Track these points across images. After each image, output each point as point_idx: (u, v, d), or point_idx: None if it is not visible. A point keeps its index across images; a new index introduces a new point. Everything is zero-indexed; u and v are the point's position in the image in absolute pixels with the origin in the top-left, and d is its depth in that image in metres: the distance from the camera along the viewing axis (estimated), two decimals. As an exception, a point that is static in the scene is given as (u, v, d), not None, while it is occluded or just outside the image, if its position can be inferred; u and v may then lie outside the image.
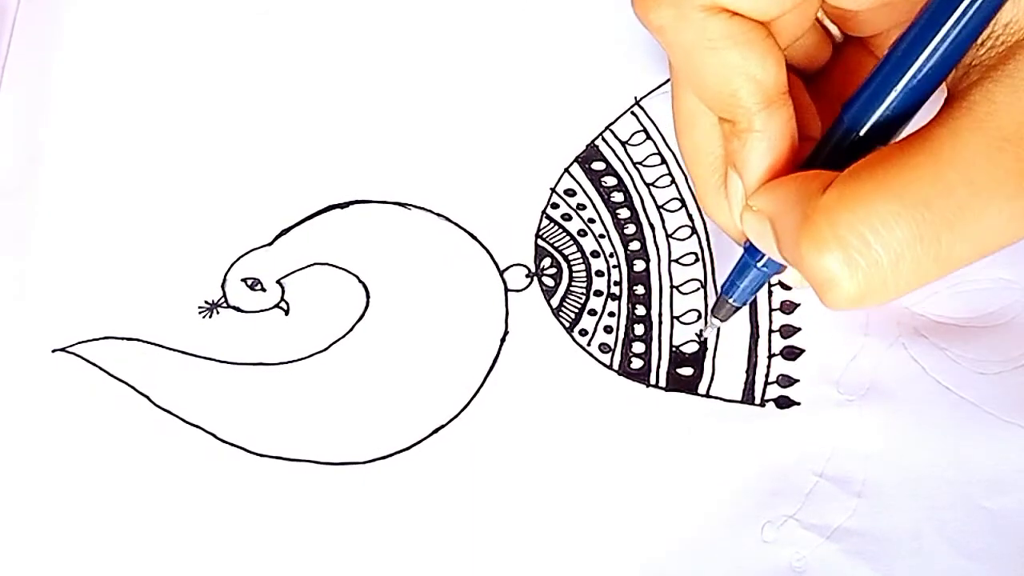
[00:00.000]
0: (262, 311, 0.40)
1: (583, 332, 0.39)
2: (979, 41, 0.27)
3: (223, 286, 0.40)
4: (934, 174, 0.25)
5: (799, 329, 0.39)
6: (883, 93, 0.28)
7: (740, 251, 0.35)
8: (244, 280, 0.40)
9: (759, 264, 0.33)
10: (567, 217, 0.41)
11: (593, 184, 0.41)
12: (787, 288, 0.39)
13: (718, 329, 0.38)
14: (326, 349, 0.39)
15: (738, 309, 0.36)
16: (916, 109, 0.28)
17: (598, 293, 0.40)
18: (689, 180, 0.41)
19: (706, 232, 0.40)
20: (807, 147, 0.32)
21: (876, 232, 0.26)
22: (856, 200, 0.26)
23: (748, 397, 0.38)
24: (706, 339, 0.39)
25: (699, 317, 0.39)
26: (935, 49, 0.27)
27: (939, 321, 0.38)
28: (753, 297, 0.36)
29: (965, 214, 0.25)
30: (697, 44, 0.30)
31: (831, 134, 0.30)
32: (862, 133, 0.29)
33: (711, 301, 0.39)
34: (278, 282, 0.40)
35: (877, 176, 0.26)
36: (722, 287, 0.36)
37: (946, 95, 0.28)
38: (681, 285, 0.40)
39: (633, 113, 0.42)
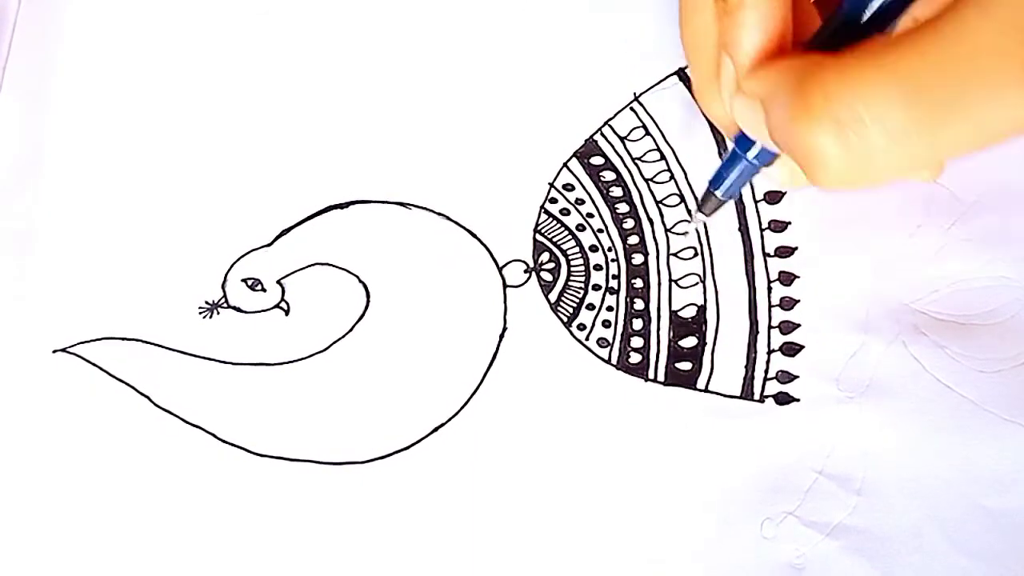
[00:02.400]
0: (262, 311, 0.40)
1: (581, 327, 0.39)
2: None
3: (223, 286, 0.40)
4: (936, 57, 0.25)
5: (799, 325, 0.39)
6: None
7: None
8: (244, 280, 0.40)
9: (749, 156, 0.33)
10: (565, 212, 0.41)
11: (592, 179, 0.41)
12: (787, 284, 0.39)
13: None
14: (326, 349, 0.39)
15: (723, 204, 0.35)
16: None
17: (596, 287, 0.40)
18: (689, 177, 0.41)
19: (705, 227, 0.40)
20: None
21: (871, 110, 0.25)
22: (855, 77, 0.25)
23: (747, 392, 0.38)
24: (706, 330, 0.38)
25: (698, 311, 0.39)
26: None
27: (939, 319, 0.38)
28: (740, 191, 0.35)
29: (966, 98, 0.25)
30: None
31: (830, 22, 0.29)
32: (864, 18, 0.28)
33: (710, 297, 0.39)
34: (278, 282, 0.40)
35: (877, 56, 0.26)
36: (710, 180, 0.35)
37: None
38: (680, 279, 0.40)
39: (632, 109, 0.42)
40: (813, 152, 0.26)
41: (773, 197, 0.40)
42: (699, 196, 0.37)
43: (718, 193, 0.35)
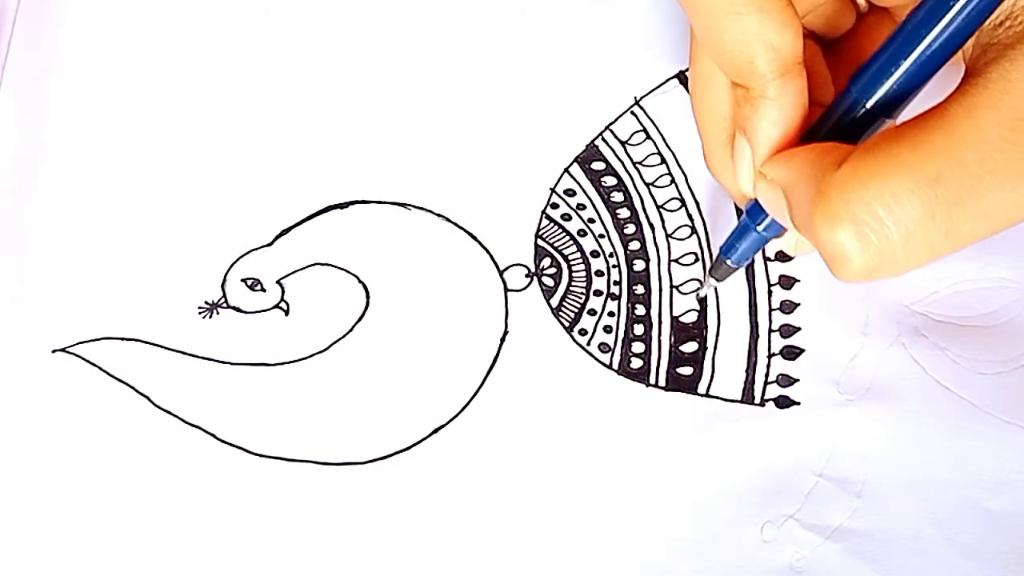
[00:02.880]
0: (262, 311, 0.40)
1: (583, 332, 0.39)
2: (999, 21, 0.27)
3: (223, 286, 0.40)
4: (947, 151, 0.26)
5: (799, 329, 0.39)
6: (892, 67, 0.28)
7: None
8: (244, 280, 0.40)
9: (759, 227, 0.34)
10: (567, 217, 0.41)
11: (593, 184, 0.41)
12: (787, 288, 0.39)
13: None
14: (326, 349, 0.39)
15: (735, 270, 0.37)
16: (925, 82, 0.28)
17: (598, 293, 0.40)
18: (690, 180, 0.41)
19: (706, 232, 0.40)
20: (816, 112, 0.32)
21: (888, 208, 0.26)
22: (870, 176, 0.26)
23: (748, 397, 0.38)
24: (706, 334, 0.39)
25: (699, 316, 0.39)
26: (947, 25, 0.27)
27: (939, 321, 0.38)
28: (750, 260, 0.37)
29: (977, 191, 0.25)
30: (718, 8, 0.29)
31: (839, 103, 0.30)
32: (869, 105, 0.29)
33: (710, 299, 0.39)
34: (278, 282, 0.40)
35: (891, 153, 0.26)
36: (721, 248, 0.36)
37: (963, 73, 0.28)
38: (681, 285, 0.40)
39: (633, 113, 0.42)
40: (834, 250, 0.27)
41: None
42: (712, 262, 0.39)
43: (730, 262, 0.36)
